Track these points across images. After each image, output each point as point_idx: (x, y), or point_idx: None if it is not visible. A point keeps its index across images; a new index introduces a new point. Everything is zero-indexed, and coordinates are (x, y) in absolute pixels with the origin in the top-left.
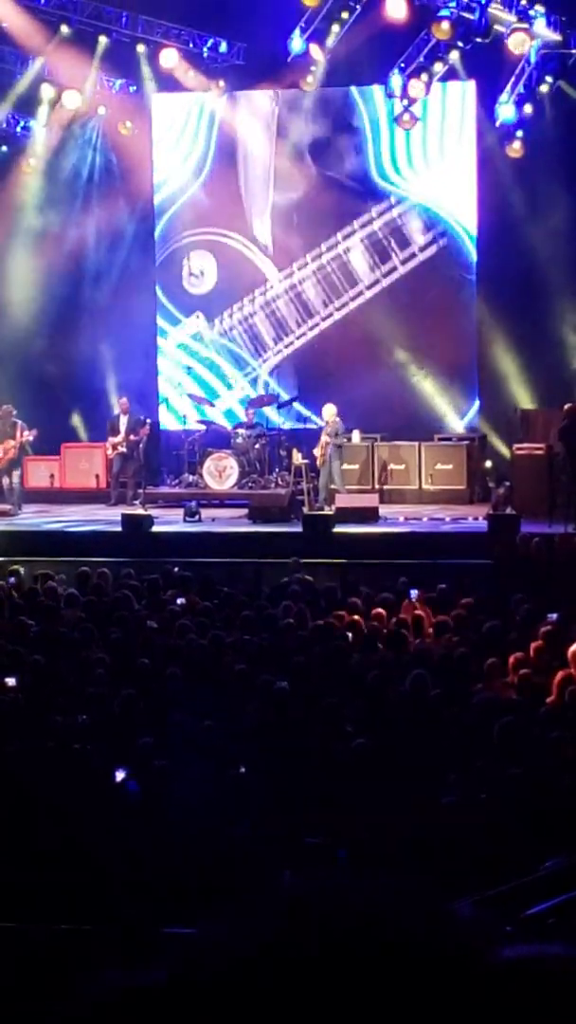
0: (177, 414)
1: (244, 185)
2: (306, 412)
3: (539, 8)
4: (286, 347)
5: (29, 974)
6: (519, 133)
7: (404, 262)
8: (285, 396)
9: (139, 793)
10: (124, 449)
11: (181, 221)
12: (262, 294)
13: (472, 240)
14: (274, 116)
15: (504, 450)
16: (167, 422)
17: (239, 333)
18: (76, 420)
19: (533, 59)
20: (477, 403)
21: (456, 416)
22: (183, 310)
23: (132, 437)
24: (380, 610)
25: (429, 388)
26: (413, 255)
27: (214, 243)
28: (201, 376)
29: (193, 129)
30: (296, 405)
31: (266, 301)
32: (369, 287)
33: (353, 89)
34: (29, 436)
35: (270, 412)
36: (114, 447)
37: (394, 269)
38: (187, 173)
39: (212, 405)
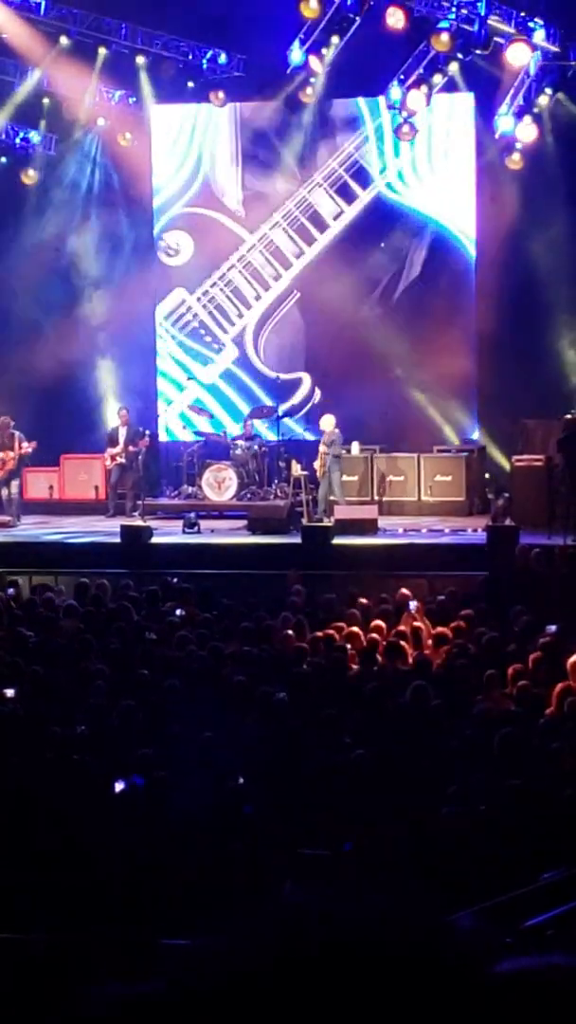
0: (172, 433)
1: (212, 173)
2: (297, 428)
3: (538, 20)
4: (268, 294)
5: (29, 984)
6: (518, 145)
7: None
8: (268, 403)
9: (141, 788)
10: (123, 460)
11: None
12: (239, 259)
13: (472, 249)
14: (236, 109)
15: (503, 462)
16: (167, 433)
17: (223, 295)
18: (76, 431)
19: (532, 71)
20: (476, 415)
21: (455, 428)
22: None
23: (131, 448)
24: (379, 622)
25: (428, 400)
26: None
27: (186, 217)
28: (189, 347)
29: (189, 139)
30: (288, 421)
31: (240, 257)
32: (335, 218)
33: (351, 100)
34: (28, 448)
35: (262, 425)
36: (112, 458)
37: (356, 198)
38: (184, 184)
39: (211, 417)
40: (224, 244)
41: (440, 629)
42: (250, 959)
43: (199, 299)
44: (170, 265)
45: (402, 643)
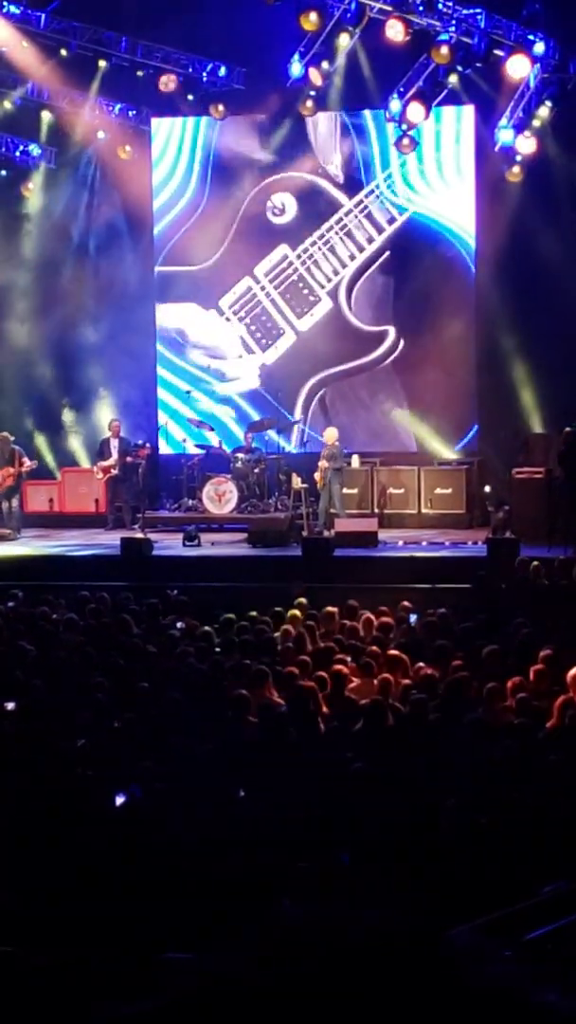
0: (175, 440)
1: (315, 141)
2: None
3: (538, 33)
4: (362, 254)
5: (32, 1003)
6: (519, 158)
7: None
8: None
9: (139, 798)
10: (116, 472)
11: (181, 244)
12: (337, 222)
13: (471, 262)
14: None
15: (504, 474)
16: (166, 446)
17: (320, 253)
18: (75, 445)
19: (532, 84)
20: (476, 427)
21: (455, 440)
22: (182, 335)
23: (128, 459)
24: (379, 634)
25: (428, 412)
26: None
27: (291, 180)
28: (286, 297)
29: (192, 152)
30: (297, 428)
31: (339, 219)
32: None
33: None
34: (30, 465)
35: (272, 433)
36: (104, 470)
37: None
38: (184, 196)
39: (211, 429)
40: (324, 208)
41: (440, 641)
42: (249, 974)
43: (299, 256)
44: (275, 224)
45: (402, 656)
